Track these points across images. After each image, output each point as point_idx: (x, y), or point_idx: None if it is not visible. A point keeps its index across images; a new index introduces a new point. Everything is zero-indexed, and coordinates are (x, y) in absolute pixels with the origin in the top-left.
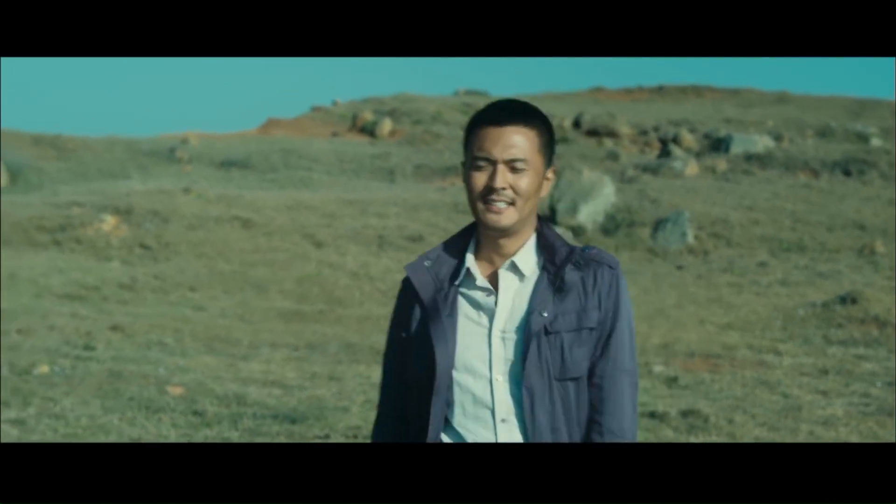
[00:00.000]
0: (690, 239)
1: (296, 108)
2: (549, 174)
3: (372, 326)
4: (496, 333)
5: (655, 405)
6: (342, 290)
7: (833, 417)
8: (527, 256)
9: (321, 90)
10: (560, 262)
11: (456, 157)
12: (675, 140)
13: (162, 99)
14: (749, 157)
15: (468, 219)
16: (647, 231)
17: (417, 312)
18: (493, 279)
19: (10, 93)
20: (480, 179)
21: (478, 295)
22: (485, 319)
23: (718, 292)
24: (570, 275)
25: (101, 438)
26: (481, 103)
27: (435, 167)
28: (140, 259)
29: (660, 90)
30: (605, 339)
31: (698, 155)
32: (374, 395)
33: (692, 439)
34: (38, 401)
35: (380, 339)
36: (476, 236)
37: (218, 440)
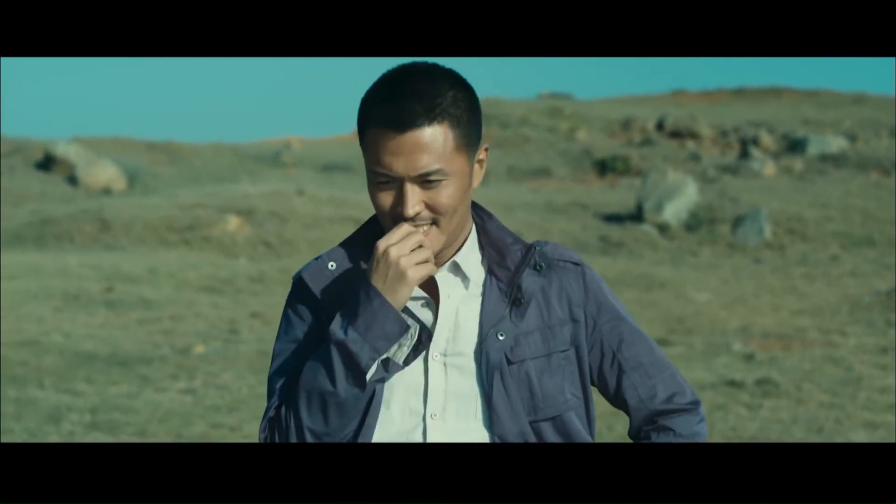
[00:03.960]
0: (768, 235)
1: None
2: (480, 155)
3: None
4: (434, 357)
5: (734, 376)
6: None
7: (888, 387)
8: (469, 255)
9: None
10: (515, 265)
11: (545, 159)
12: (755, 141)
13: (260, 105)
14: (824, 158)
15: (563, 218)
16: (728, 228)
17: (324, 324)
18: (429, 286)
19: (124, 101)
20: (385, 199)
21: (411, 305)
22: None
23: (792, 283)
24: (529, 282)
25: (263, 404)
26: (566, 107)
27: (526, 169)
28: (264, 256)
29: (739, 92)
30: (609, 351)
31: (776, 155)
32: None
33: (765, 403)
34: (201, 375)
35: None
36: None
37: None
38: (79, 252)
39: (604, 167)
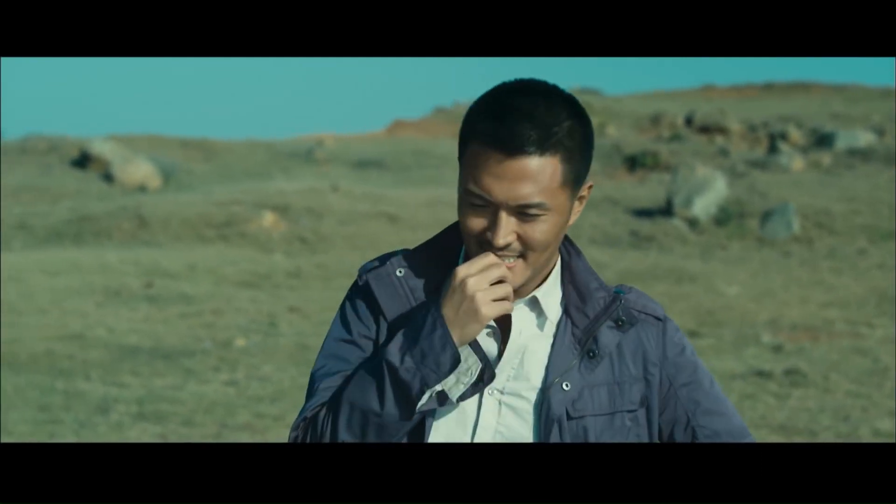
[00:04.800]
0: (796, 229)
1: (419, 109)
2: (584, 192)
3: None
4: (491, 392)
5: (762, 366)
6: None
7: None
8: (551, 291)
9: (442, 91)
10: (595, 313)
11: None
12: (783, 136)
13: (293, 102)
14: (852, 152)
15: (594, 213)
16: (756, 222)
17: (382, 333)
18: (501, 317)
19: (158, 99)
20: (476, 223)
21: None
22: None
23: (820, 276)
24: (607, 336)
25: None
26: (595, 102)
27: None
28: (300, 251)
29: (768, 87)
30: (683, 417)
31: (804, 150)
32: None
33: (794, 393)
34: (243, 367)
35: None
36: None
37: None
38: (118, 248)
39: (634, 162)
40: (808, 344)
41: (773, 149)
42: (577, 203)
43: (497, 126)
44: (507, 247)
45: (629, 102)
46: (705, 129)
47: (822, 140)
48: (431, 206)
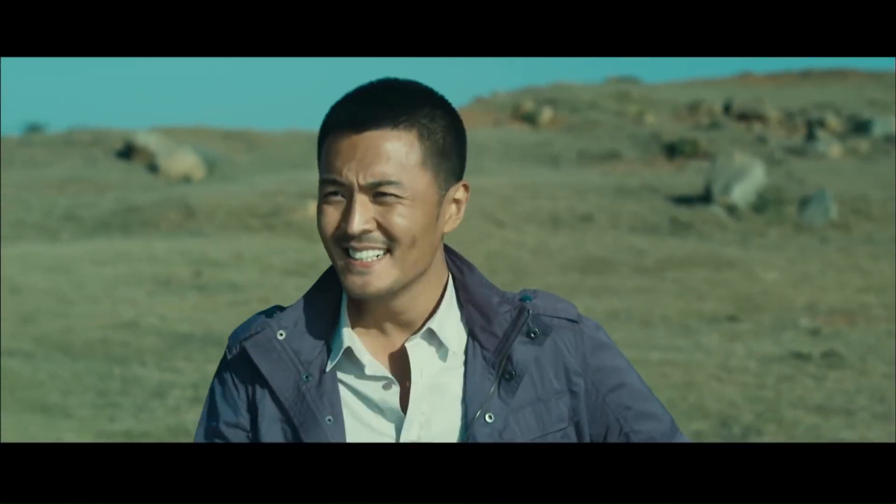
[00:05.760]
0: (833, 215)
1: (459, 98)
2: (458, 194)
3: (558, 294)
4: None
5: (800, 349)
6: (525, 264)
7: None
8: (448, 318)
9: (481, 81)
10: (504, 330)
11: (614, 143)
12: (821, 123)
13: (333, 92)
14: (889, 139)
15: (634, 201)
16: (794, 208)
17: (269, 411)
18: (396, 359)
19: (199, 91)
20: (332, 219)
21: (369, 388)
22: (387, 426)
23: (858, 261)
24: (522, 352)
25: None
26: (634, 91)
27: (596, 153)
28: None
29: (805, 74)
30: (615, 424)
31: (842, 137)
32: None
33: (831, 375)
34: None
35: None
36: None
37: None
38: (165, 239)
39: (672, 150)
40: (845, 328)
41: (810, 136)
42: (453, 207)
43: (349, 108)
44: (365, 235)
45: (667, 90)
46: (743, 117)
47: (860, 127)
48: (473, 195)
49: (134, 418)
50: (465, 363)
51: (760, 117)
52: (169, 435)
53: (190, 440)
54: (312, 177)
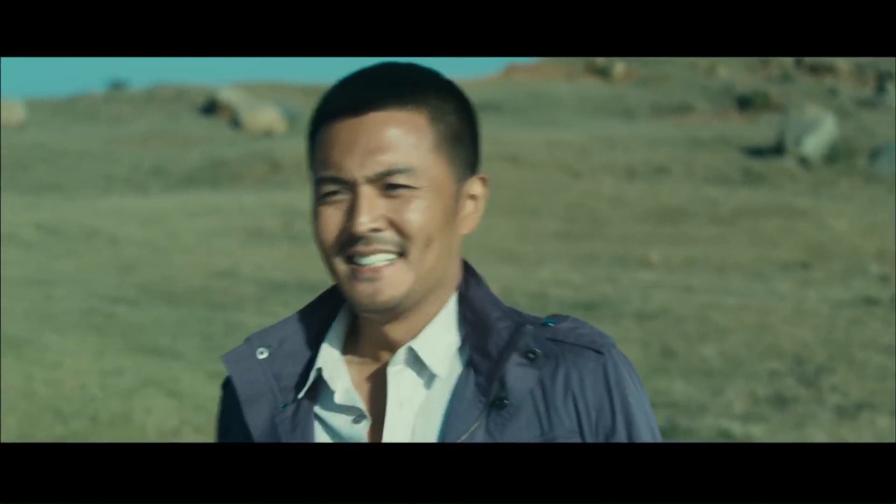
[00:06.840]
0: None
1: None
2: (475, 188)
3: (635, 242)
4: None
5: (870, 293)
6: (603, 214)
7: None
8: (438, 338)
9: None
10: (498, 350)
11: (687, 96)
12: (891, 76)
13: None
14: None
15: (707, 153)
16: (864, 160)
17: (243, 439)
18: (382, 387)
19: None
20: (333, 221)
21: (339, 421)
22: None
23: None
24: (517, 375)
25: None
26: None
27: (669, 105)
28: None
29: None
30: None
31: None
32: (647, 291)
33: None
34: None
35: (642, 253)
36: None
37: None
38: (252, 192)
39: (745, 103)
40: None
41: (880, 88)
42: (470, 203)
43: (343, 93)
44: (374, 235)
45: None
46: (814, 70)
47: None
48: (549, 147)
49: None
50: (454, 392)
51: (831, 70)
52: None
53: None
54: None
